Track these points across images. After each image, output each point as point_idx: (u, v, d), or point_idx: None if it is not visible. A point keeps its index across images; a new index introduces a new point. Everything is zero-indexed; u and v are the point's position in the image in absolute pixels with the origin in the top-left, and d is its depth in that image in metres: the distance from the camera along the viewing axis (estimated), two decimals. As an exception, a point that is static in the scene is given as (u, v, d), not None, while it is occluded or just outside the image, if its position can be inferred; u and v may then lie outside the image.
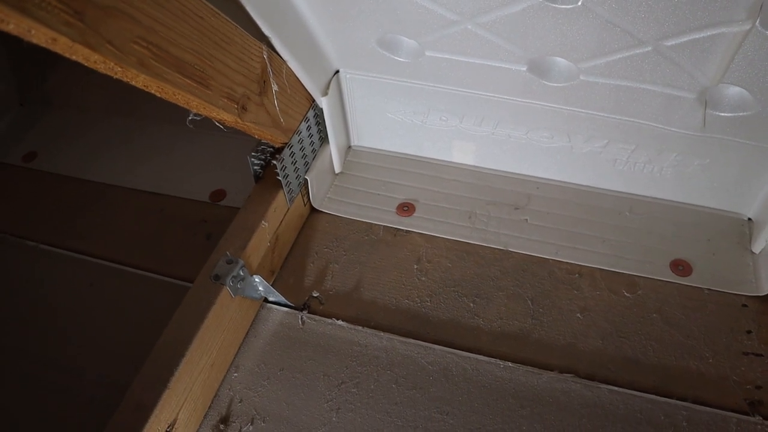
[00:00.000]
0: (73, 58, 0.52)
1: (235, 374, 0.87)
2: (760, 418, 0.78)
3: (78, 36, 0.50)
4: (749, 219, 0.99)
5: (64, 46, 0.49)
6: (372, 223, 1.04)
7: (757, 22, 0.66)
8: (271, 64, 0.83)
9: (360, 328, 0.90)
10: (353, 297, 0.95)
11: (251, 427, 0.82)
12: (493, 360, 0.86)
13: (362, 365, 0.87)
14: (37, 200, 1.18)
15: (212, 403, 0.85)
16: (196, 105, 0.70)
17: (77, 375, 0.91)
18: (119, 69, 0.56)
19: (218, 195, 1.13)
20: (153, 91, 0.63)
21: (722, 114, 0.83)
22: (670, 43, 0.74)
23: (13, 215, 1.16)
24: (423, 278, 0.96)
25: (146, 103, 1.27)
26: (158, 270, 1.02)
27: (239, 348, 0.90)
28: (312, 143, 1.02)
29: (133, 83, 0.60)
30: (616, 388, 0.82)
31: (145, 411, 0.71)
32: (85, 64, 0.54)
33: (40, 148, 1.28)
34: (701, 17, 0.69)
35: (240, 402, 0.85)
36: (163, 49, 0.61)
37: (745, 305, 0.90)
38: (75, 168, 1.23)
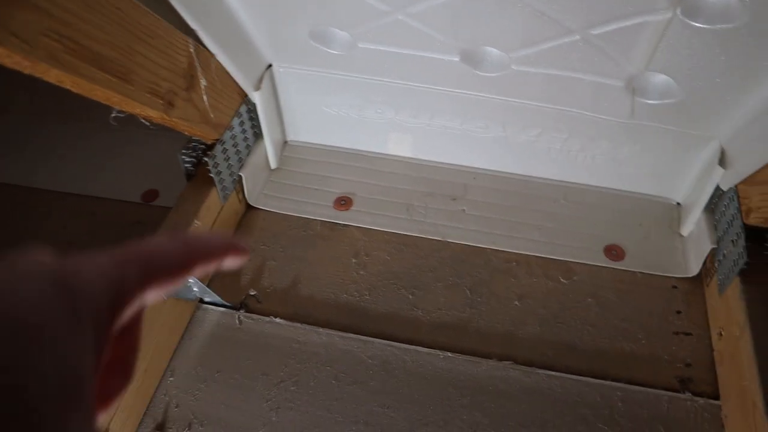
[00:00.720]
0: (-25, 51, 0.49)
1: (171, 378, 0.85)
2: (690, 394, 0.81)
3: (-23, 28, 0.47)
4: (678, 204, 1.02)
5: (-39, 39, 0.46)
6: (309, 219, 1.03)
7: (678, 10, 0.68)
8: (198, 58, 0.80)
9: (298, 325, 0.89)
10: (291, 294, 0.93)
11: None
12: (432, 351, 0.86)
13: (301, 362, 0.85)
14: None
15: (147, 409, 0.82)
16: (118, 101, 0.67)
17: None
18: (27, 63, 0.53)
19: (151, 195, 1.10)
20: (68, 87, 0.60)
21: (649, 101, 0.85)
22: (597, 31, 0.75)
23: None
24: (361, 272, 0.95)
25: (71, 105, 1.21)
26: (89, 274, 0.98)
27: (174, 351, 0.87)
28: (246, 139, 1.00)
29: (45, 78, 0.57)
30: (553, 373, 0.83)
31: (72, 421, 0.68)
32: (-10, 59, 0.51)
33: (-42, 151, 1.22)
34: (626, 6, 0.71)
35: (176, 407, 0.82)
36: (77, 42, 0.58)
37: (675, 287, 0.93)
38: (-2, 172, 1.17)
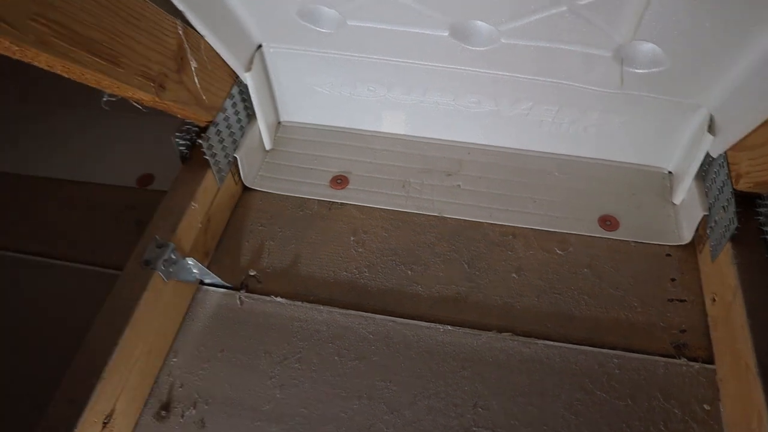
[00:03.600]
0: (-36, 38, 0.49)
1: (174, 359, 0.86)
2: (685, 360, 0.82)
3: (-35, 14, 0.47)
4: (670, 172, 1.02)
5: (-50, 25, 0.46)
6: (306, 198, 1.03)
7: (664, -23, 0.68)
8: (187, 40, 0.80)
9: (299, 303, 0.90)
10: (291, 273, 0.94)
11: (194, 410, 0.81)
12: (432, 325, 0.87)
13: (304, 340, 0.86)
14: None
15: (152, 390, 0.83)
16: (108, 84, 0.67)
17: (6, 374, 0.87)
18: (16, 48, 0.53)
19: (146, 180, 1.10)
20: (58, 71, 0.60)
21: (638, 71, 0.85)
22: (583, 2, 0.75)
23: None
24: (360, 249, 0.96)
25: (60, 87, 1.21)
26: (88, 261, 0.99)
27: (177, 333, 0.88)
28: (239, 120, 1.00)
29: (35, 63, 0.57)
30: (552, 343, 0.85)
31: (78, 404, 0.69)
32: (-21, 45, 0.51)
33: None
34: (612, -26, 0.71)
35: (181, 387, 0.83)
36: (64, 26, 0.58)
37: (669, 254, 0.94)
38: (-9, 161, 1.17)
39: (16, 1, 0.52)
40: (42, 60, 0.57)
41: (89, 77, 0.64)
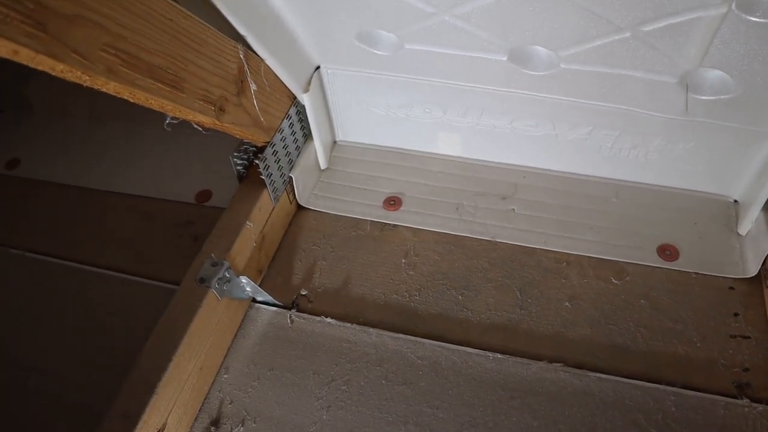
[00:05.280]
0: (39, 68, 0.52)
1: (225, 376, 0.87)
2: (748, 400, 0.78)
3: (41, 47, 0.49)
4: (735, 201, 0.98)
5: (26, 57, 0.49)
6: (359, 219, 1.04)
7: (733, 5, 0.66)
8: (248, 64, 0.82)
9: (349, 324, 0.90)
10: (342, 294, 0.94)
11: (242, 428, 0.82)
12: (482, 352, 0.86)
13: (352, 362, 0.87)
14: (21, 207, 1.18)
15: (202, 405, 0.85)
16: (171, 109, 0.69)
17: (63, 382, 0.91)
18: (87, 78, 0.55)
19: (204, 196, 1.13)
20: (125, 97, 0.63)
21: (704, 97, 0.82)
22: (648, 28, 0.73)
23: (-2, 223, 1.16)
24: (411, 272, 0.96)
25: (128, 107, 1.25)
26: (146, 274, 1.02)
27: (228, 349, 0.90)
28: (295, 140, 1.02)
29: (104, 90, 0.59)
30: (605, 376, 0.82)
31: (132, 418, 0.71)
32: (52, 74, 0.54)
33: (23, 155, 1.28)
34: (678, 2, 0.69)
35: (230, 403, 0.85)
36: (132, 55, 0.60)
37: (732, 288, 0.90)
38: (59, 174, 1.22)
39: (87, 33, 0.54)
40: (110, 87, 0.59)
41: (153, 102, 0.66)
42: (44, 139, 1.31)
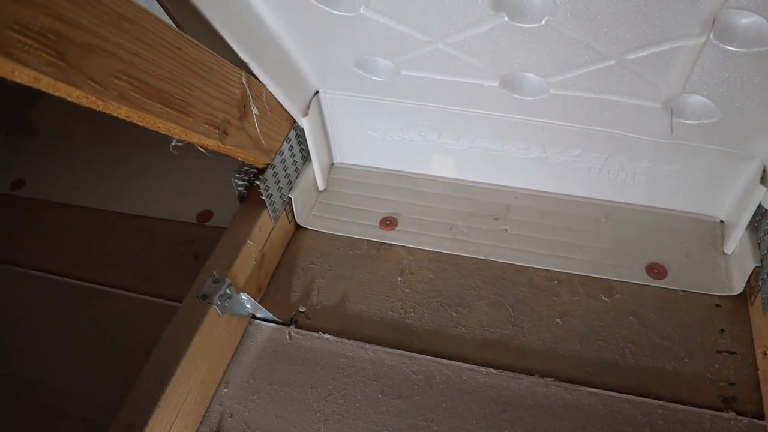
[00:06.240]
0: (56, 94, 0.55)
1: (225, 390, 0.89)
2: (734, 413, 0.81)
3: (60, 75, 0.52)
4: (721, 221, 1.02)
5: (46, 84, 0.52)
6: (356, 238, 1.07)
7: (711, 35, 0.70)
8: (250, 89, 0.86)
9: (346, 340, 0.93)
10: (339, 311, 0.97)
11: (242, 441, 0.84)
12: (475, 367, 0.88)
13: (349, 377, 0.89)
14: (26, 227, 1.20)
15: (203, 419, 0.87)
16: (178, 132, 0.72)
17: (68, 397, 0.93)
18: (101, 103, 0.58)
19: (205, 216, 1.16)
20: (135, 121, 0.66)
21: (687, 122, 0.86)
22: (632, 56, 0.77)
23: (2, 242, 1.18)
24: (406, 290, 0.99)
25: (131, 130, 1.28)
26: (148, 291, 1.04)
27: (229, 364, 0.92)
28: (295, 162, 1.05)
29: (115, 114, 0.63)
30: (595, 390, 0.85)
31: (135, 430, 0.73)
32: (68, 99, 0.57)
33: (27, 176, 1.30)
34: (659, 32, 0.72)
35: (230, 417, 0.87)
36: (143, 81, 0.63)
37: (718, 305, 0.93)
38: (63, 195, 1.25)
39: (102, 61, 0.57)
40: (122, 112, 0.62)
41: (161, 126, 0.69)
42: (49, 160, 1.34)
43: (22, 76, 0.50)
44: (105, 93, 0.58)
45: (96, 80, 0.56)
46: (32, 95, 1.46)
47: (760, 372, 0.85)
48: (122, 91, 0.60)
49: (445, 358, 0.89)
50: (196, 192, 1.20)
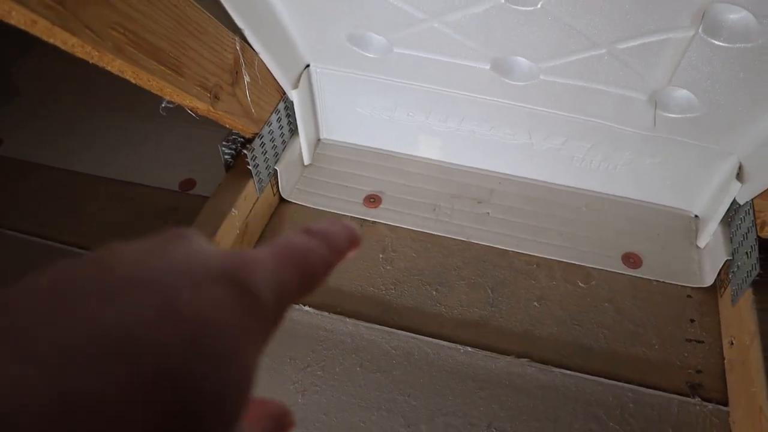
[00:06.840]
0: (51, 41, 0.54)
1: (203, 357, 0.89)
2: (699, 399, 0.83)
3: (58, 19, 0.52)
4: (696, 216, 1.04)
5: (43, 28, 0.51)
6: (339, 214, 1.07)
7: (700, 29, 0.71)
8: (243, 56, 0.85)
9: (326, 314, 0.93)
10: (320, 284, 0.97)
11: (218, 408, 0.84)
12: (454, 345, 0.89)
13: (328, 349, 0.90)
14: (4, 187, 1.18)
15: (180, 384, 0.86)
16: (170, 92, 0.72)
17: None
18: (96, 53, 0.58)
19: (188, 184, 1.15)
20: (128, 77, 0.65)
21: (671, 115, 0.88)
22: (622, 46, 0.79)
23: (-22, 201, 1.16)
24: (388, 267, 1.00)
25: (115, 95, 1.28)
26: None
27: (207, 332, 0.92)
28: (282, 135, 1.05)
29: (109, 68, 0.62)
30: (569, 372, 0.87)
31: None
32: (63, 48, 0.56)
33: (6, 135, 1.28)
34: (651, 22, 0.74)
35: (207, 384, 0.87)
36: (139, 36, 0.63)
37: (689, 296, 0.95)
38: (44, 155, 1.23)
39: (100, 11, 0.57)
40: (116, 65, 0.62)
41: (154, 84, 0.69)
42: (30, 122, 1.31)
43: (19, 17, 0.49)
44: (101, 43, 0.57)
45: (92, 29, 0.56)
46: (12, 52, 1.44)
47: (726, 361, 0.87)
48: (118, 44, 0.60)
49: (425, 335, 0.90)
50: (180, 161, 1.19)
